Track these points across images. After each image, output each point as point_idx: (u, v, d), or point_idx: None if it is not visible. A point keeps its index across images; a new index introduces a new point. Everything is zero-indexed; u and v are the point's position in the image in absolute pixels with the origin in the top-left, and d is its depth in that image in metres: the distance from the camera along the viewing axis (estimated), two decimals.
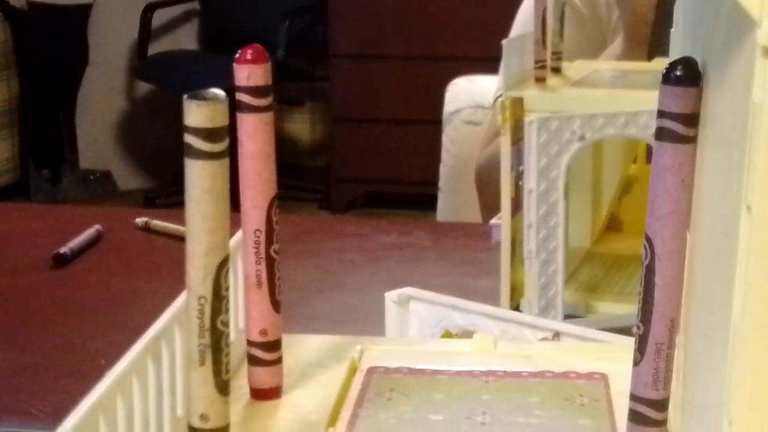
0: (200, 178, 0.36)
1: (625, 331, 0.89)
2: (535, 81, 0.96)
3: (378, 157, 3.17)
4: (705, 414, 0.36)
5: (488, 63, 1.69)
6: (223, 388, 0.38)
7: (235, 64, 0.43)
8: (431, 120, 2.02)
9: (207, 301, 0.37)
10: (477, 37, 2.93)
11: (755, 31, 0.30)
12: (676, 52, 0.46)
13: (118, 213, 1.47)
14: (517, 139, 0.93)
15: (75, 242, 1.10)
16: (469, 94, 1.60)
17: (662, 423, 0.41)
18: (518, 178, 0.93)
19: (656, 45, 1.24)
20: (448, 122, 1.61)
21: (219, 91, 0.37)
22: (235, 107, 0.43)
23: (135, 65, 3.58)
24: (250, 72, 0.43)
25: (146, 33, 3.51)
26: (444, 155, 1.61)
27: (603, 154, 1.09)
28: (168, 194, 3.45)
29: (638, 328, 0.41)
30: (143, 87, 3.68)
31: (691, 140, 0.39)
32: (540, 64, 0.96)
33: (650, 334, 0.40)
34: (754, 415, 0.31)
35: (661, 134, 0.39)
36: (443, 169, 1.61)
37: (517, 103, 0.92)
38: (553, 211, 0.90)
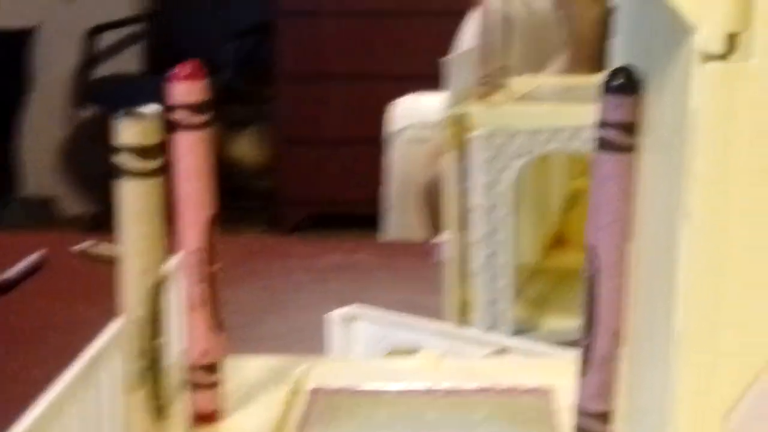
0: (133, 198, 0.36)
1: (575, 345, 0.89)
2: (479, 97, 0.96)
3: (325, 178, 3.16)
4: (649, 424, 0.36)
5: (433, 80, 1.69)
6: (160, 412, 0.37)
7: (171, 82, 0.43)
8: (378, 138, 2.02)
9: (143, 324, 0.36)
10: (421, 55, 2.92)
11: (692, 37, 0.30)
12: (617, 60, 0.46)
13: (61, 239, 1.45)
14: (463, 156, 0.92)
15: (17, 269, 1.08)
16: (414, 112, 1.60)
17: None
18: (464, 194, 0.93)
19: (601, 61, 1.24)
20: (393, 141, 1.60)
21: (151, 108, 0.36)
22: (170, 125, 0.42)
23: (79, 89, 3.55)
24: (187, 89, 0.42)
25: (90, 56, 3.48)
26: (390, 174, 1.60)
27: (548, 169, 1.09)
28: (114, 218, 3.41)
29: (583, 340, 0.40)
30: (87, 111, 3.64)
31: (632, 149, 0.38)
32: (484, 80, 0.96)
33: (595, 347, 0.40)
34: (696, 424, 0.31)
35: (602, 144, 0.38)
36: (390, 188, 1.61)
37: (462, 120, 0.91)
38: (500, 227, 0.90)
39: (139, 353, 0.36)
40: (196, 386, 0.45)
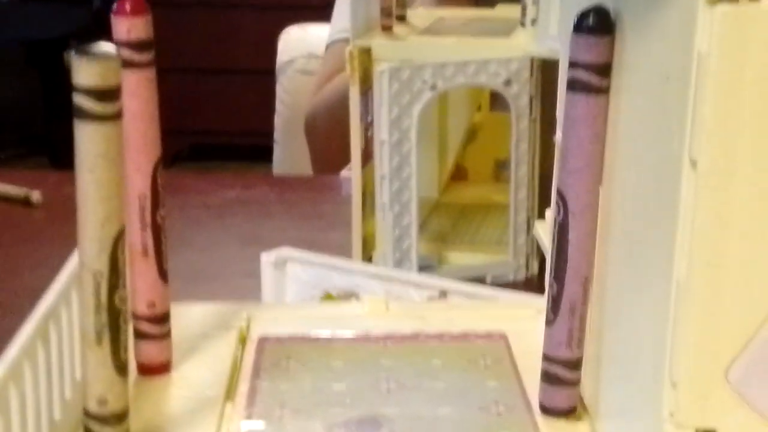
0: (93, 143, 0.33)
1: (479, 280, 0.89)
2: (381, 30, 0.94)
3: (206, 108, 3.10)
4: (632, 373, 0.35)
5: (319, 10, 1.66)
6: (122, 368, 0.35)
7: (113, 17, 0.40)
8: (264, 70, 1.98)
9: (103, 277, 0.34)
10: None
11: None
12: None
13: None
14: (366, 89, 0.90)
15: None
16: (302, 43, 1.57)
17: (576, 383, 0.40)
18: (367, 128, 0.92)
19: None
20: (282, 72, 1.57)
21: (109, 47, 0.34)
22: None
23: None
24: (130, 25, 0.40)
25: None
26: (279, 106, 1.58)
27: (448, 103, 1.08)
28: None
29: (551, 287, 0.39)
30: None
31: (605, 91, 0.37)
32: (386, 12, 0.94)
33: (564, 293, 0.39)
34: (698, 376, 0.30)
35: (574, 85, 0.37)
36: (278, 121, 1.58)
37: (365, 53, 0.89)
38: (406, 162, 0.88)
39: (98, 308, 0.34)
40: (144, 337, 0.43)
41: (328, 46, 1.38)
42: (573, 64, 0.37)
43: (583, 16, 0.37)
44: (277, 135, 1.58)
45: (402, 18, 0.98)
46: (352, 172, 0.92)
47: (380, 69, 0.86)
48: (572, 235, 0.38)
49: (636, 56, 0.35)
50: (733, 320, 0.30)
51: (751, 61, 0.28)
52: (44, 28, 3.04)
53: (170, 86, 3.09)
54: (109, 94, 0.33)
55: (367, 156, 0.91)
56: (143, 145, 0.41)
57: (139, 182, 0.41)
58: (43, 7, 3.22)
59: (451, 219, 1.03)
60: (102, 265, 0.34)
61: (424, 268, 0.89)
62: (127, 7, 0.40)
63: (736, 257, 0.29)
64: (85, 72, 0.33)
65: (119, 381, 0.35)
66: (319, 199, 1.12)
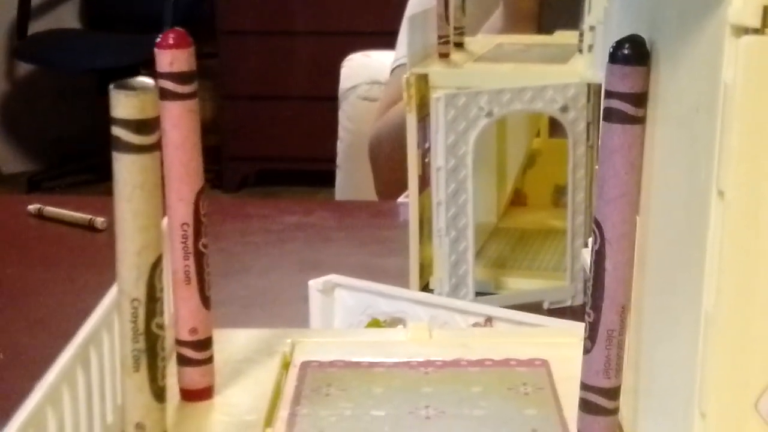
0: (130, 173, 0.34)
1: (536, 306, 0.88)
2: (439, 57, 0.95)
3: (271, 135, 3.13)
4: (666, 403, 0.35)
5: (383, 37, 1.67)
6: (159, 394, 0.36)
7: (156, 50, 0.41)
8: (327, 96, 2.00)
9: (141, 304, 0.35)
10: (370, 11, 2.91)
11: (721, 8, 0.29)
12: (613, 28, 0.45)
13: (8, 200, 1.42)
14: (423, 116, 0.91)
15: None
16: (365, 70, 1.58)
17: (614, 411, 0.40)
18: (424, 155, 0.92)
19: (538, 18, 1.23)
20: (344, 99, 1.58)
21: (147, 80, 0.34)
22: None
23: (15, 45, 3.47)
24: (173, 57, 0.41)
25: (26, 12, 3.40)
26: (341, 132, 1.59)
27: (506, 129, 1.08)
28: (53, 177, 3.37)
29: (588, 315, 0.39)
30: (25, 68, 3.57)
31: (640, 120, 0.37)
32: (443, 40, 0.95)
33: (601, 322, 0.39)
34: (728, 407, 0.30)
35: (610, 115, 0.38)
36: (341, 146, 1.59)
37: (422, 80, 0.90)
38: (462, 188, 0.89)
39: (136, 335, 0.35)
40: (187, 363, 0.44)
41: (392, 71, 1.38)
42: (609, 94, 0.38)
43: (618, 46, 0.37)
44: (340, 161, 1.59)
45: (460, 45, 0.98)
46: (409, 198, 0.92)
47: (436, 96, 0.86)
48: (609, 264, 0.38)
49: (669, 87, 0.35)
50: (763, 351, 0.29)
51: None
52: (115, 57, 3.10)
53: (236, 114, 3.13)
54: (146, 126, 0.34)
55: (424, 182, 0.91)
56: (185, 174, 0.41)
57: (181, 211, 0.42)
58: (114, 36, 3.28)
59: (509, 244, 1.03)
60: (139, 292, 0.35)
61: (480, 293, 0.89)
62: (171, 40, 0.41)
63: (764, 288, 0.29)
64: (122, 105, 0.34)
65: (157, 407, 0.36)
66: (378, 225, 1.12)
